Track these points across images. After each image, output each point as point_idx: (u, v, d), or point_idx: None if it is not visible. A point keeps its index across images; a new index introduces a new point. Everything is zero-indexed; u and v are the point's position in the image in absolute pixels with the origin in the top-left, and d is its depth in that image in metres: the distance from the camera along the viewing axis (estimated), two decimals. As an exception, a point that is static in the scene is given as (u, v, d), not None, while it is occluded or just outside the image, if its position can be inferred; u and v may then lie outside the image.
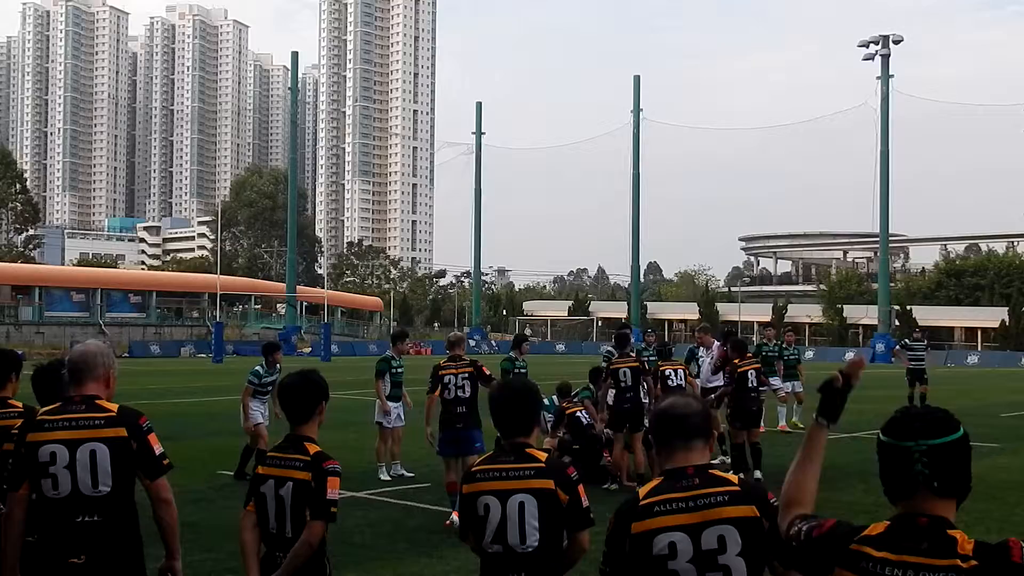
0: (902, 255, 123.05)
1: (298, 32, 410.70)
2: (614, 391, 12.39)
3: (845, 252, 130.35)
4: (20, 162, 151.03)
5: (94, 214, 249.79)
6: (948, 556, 2.37)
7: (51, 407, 4.33)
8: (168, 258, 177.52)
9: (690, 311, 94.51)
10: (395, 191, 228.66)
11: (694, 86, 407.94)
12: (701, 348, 15.92)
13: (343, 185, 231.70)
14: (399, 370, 13.14)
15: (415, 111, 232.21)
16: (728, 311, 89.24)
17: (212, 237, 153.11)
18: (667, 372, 13.10)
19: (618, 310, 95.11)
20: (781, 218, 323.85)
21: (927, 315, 76.03)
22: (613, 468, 12.35)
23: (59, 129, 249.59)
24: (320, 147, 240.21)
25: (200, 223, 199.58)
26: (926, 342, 24.95)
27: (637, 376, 12.36)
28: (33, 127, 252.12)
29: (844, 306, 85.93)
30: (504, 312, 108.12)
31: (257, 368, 12.86)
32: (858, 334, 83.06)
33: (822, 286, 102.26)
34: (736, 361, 13.08)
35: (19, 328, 67.02)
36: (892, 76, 66.31)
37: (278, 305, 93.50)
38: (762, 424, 13.39)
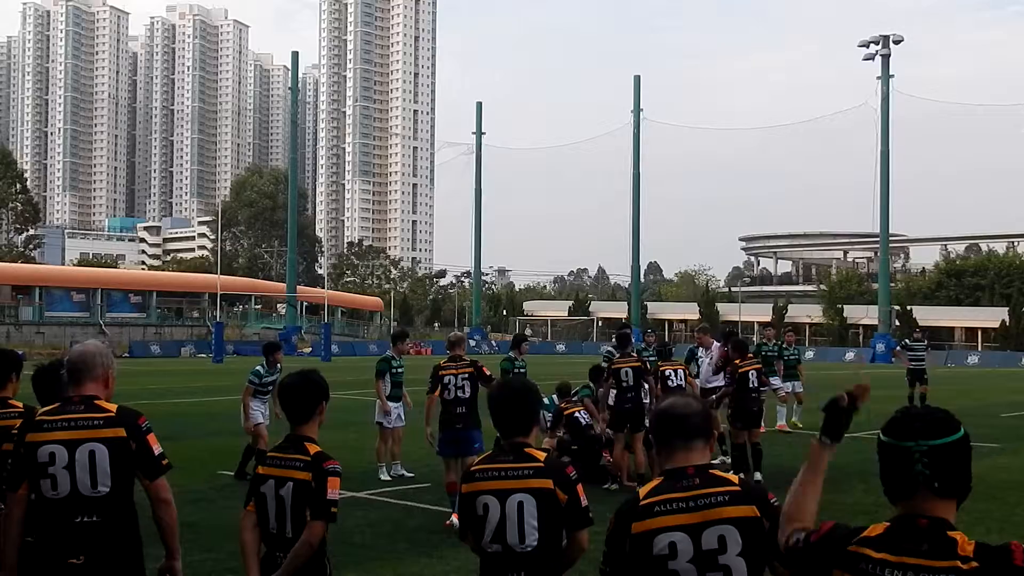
0: (902, 255, 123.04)
1: (298, 32, 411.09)
2: (615, 391, 12.38)
3: (845, 252, 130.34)
4: (20, 162, 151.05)
5: (94, 214, 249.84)
6: (948, 558, 2.36)
7: (50, 407, 4.33)
8: (168, 258, 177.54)
9: (690, 311, 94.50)
10: (395, 191, 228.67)
11: (694, 86, 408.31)
12: (700, 348, 15.92)
13: (343, 185, 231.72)
14: (399, 370, 13.14)
15: (415, 111, 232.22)
16: (728, 311, 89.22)
17: (212, 237, 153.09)
18: (667, 372, 13.11)
19: (618, 310, 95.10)
20: (781, 218, 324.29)
21: (927, 315, 76.02)
22: (613, 468, 12.34)
23: (59, 129, 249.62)
24: (320, 147, 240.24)
25: (200, 223, 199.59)
26: (926, 342, 24.94)
27: (639, 376, 12.35)
28: (33, 127, 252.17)
29: (844, 306, 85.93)
30: (504, 312, 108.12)
31: (258, 368, 12.86)
32: (858, 334, 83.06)
33: (822, 286, 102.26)
34: (737, 361, 13.06)
35: (19, 328, 67.00)
36: (892, 76, 66.33)
37: (278, 305, 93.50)
38: (762, 424, 13.39)
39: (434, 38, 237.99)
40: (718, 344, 15.46)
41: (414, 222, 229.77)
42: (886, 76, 66.13)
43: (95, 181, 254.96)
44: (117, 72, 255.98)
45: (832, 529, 2.60)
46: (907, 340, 25.38)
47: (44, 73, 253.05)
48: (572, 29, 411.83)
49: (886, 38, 66.36)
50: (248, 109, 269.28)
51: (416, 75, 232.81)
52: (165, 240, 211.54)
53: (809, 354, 55.74)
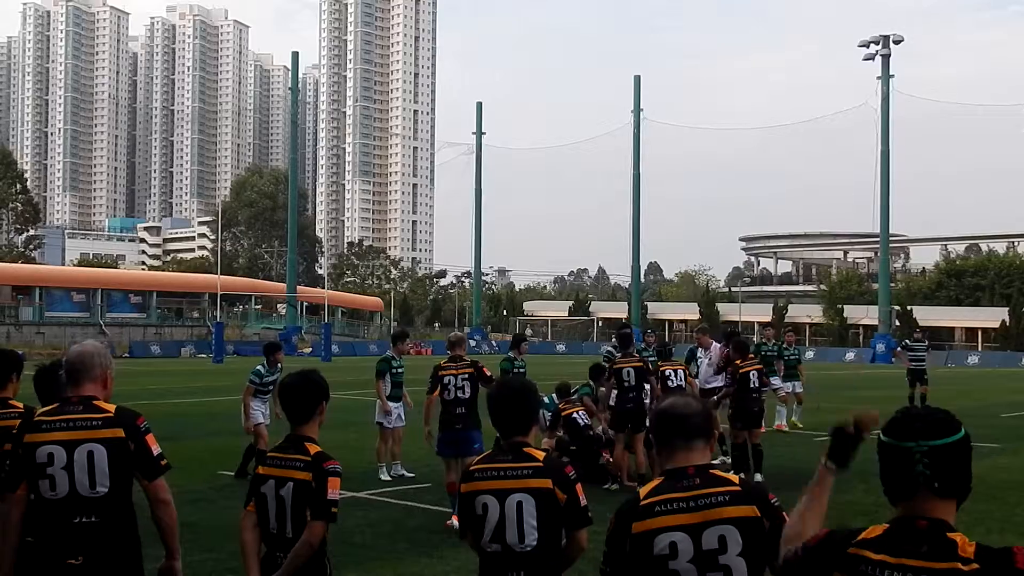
0: (902, 255, 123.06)
1: (298, 32, 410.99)
2: (616, 391, 12.36)
3: (845, 252, 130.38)
4: (20, 162, 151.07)
5: (94, 214, 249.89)
6: (948, 559, 2.35)
7: (49, 408, 4.33)
8: (168, 258, 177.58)
9: (690, 311, 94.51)
10: (395, 191, 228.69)
11: (694, 86, 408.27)
12: (700, 349, 15.91)
13: (343, 185, 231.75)
14: (399, 370, 13.14)
15: (415, 111, 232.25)
16: (729, 311, 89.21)
17: (212, 237, 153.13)
18: (667, 372, 13.10)
19: (618, 310, 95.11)
20: (781, 218, 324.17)
21: (927, 315, 76.01)
22: (614, 468, 12.33)
23: (59, 129, 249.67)
24: (320, 147, 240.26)
25: (200, 223, 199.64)
26: (927, 343, 24.94)
27: (641, 376, 12.34)
28: (33, 127, 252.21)
29: (844, 306, 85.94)
30: (504, 312, 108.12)
31: (258, 368, 12.87)
32: (858, 334, 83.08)
33: (822, 286, 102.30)
34: (738, 362, 13.06)
35: (19, 328, 67.02)
36: (893, 76, 66.34)
37: (278, 305, 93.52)
38: (763, 424, 13.40)
39: (434, 38, 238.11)
40: (717, 345, 15.46)
41: (414, 222, 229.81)
42: (886, 76, 66.13)
43: (95, 181, 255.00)
44: (117, 72, 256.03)
45: (829, 534, 2.59)
46: (907, 340, 25.39)
47: (44, 73, 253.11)
48: (572, 29, 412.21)
49: (886, 38, 66.37)
50: (248, 109, 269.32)
51: (416, 75, 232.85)
52: (165, 240, 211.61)
53: (809, 354, 55.72)
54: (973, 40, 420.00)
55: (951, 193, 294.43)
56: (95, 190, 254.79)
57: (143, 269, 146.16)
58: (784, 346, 19.85)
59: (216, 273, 70.97)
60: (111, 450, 4.14)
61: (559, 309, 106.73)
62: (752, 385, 12.86)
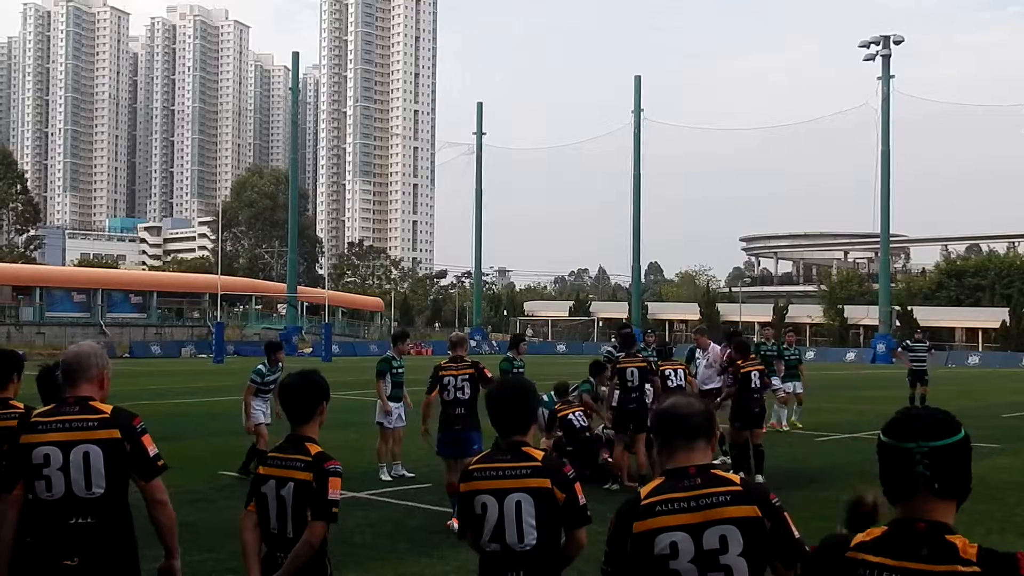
0: (903, 255, 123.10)
1: (299, 32, 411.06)
2: (619, 391, 12.34)
3: (846, 252, 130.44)
4: (21, 162, 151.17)
5: (95, 214, 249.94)
6: (948, 562, 2.34)
7: (45, 408, 4.33)
8: (169, 258, 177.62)
9: (691, 311, 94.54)
10: (396, 191, 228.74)
11: (694, 86, 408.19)
12: (698, 350, 15.90)
13: (344, 185, 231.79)
14: (400, 370, 13.14)
15: (416, 111, 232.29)
16: (729, 311, 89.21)
17: (213, 237, 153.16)
18: (667, 372, 13.09)
19: (619, 310, 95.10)
20: (782, 218, 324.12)
21: (928, 315, 75.98)
22: (614, 468, 12.32)
23: (60, 129, 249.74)
24: (321, 147, 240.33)
25: (201, 223, 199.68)
26: (928, 343, 24.91)
27: (644, 376, 12.33)
28: (34, 127, 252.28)
29: (845, 306, 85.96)
30: (505, 312, 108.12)
31: (259, 367, 12.88)
32: (859, 335, 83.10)
33: (823, 286, 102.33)
34: (740, 362, 13.06)
35: (20, 328, 67.04)
36: (893, 77, 66.29)
37: (279, 305, 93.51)
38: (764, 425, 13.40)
39: (435, 38, 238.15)
40: (716, 346, 15.46)
41: (415, 222, 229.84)
42: (886, 76, 66.11)
43: (95, 181, 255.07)
44: (118, 72, 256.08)
45: (823, 542, 2.58)
46: (908, 341, 25.37)
47: (45, 74, 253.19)
48: (572, 29, 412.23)
49: (886, 38, 66.34)
50: (248, 109, 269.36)
51: (417, 75, 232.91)
52: (166, 240, 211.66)
53: (810, 354, 55.67)
54: (973, 40, 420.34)
55: (951, 193, 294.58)
56: (95, 190, 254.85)
57: (143, 269, 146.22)
58: (784, 346, 19.85)
59: (216, 273, 70.96)
60: (107, 451, 4.14)
61: (559, 309, 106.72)
62: (753, 385, 12.86)
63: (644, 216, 78.60)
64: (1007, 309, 77.60)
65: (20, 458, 4.19)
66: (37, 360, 25.10)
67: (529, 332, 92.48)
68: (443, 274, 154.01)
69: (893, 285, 79.37)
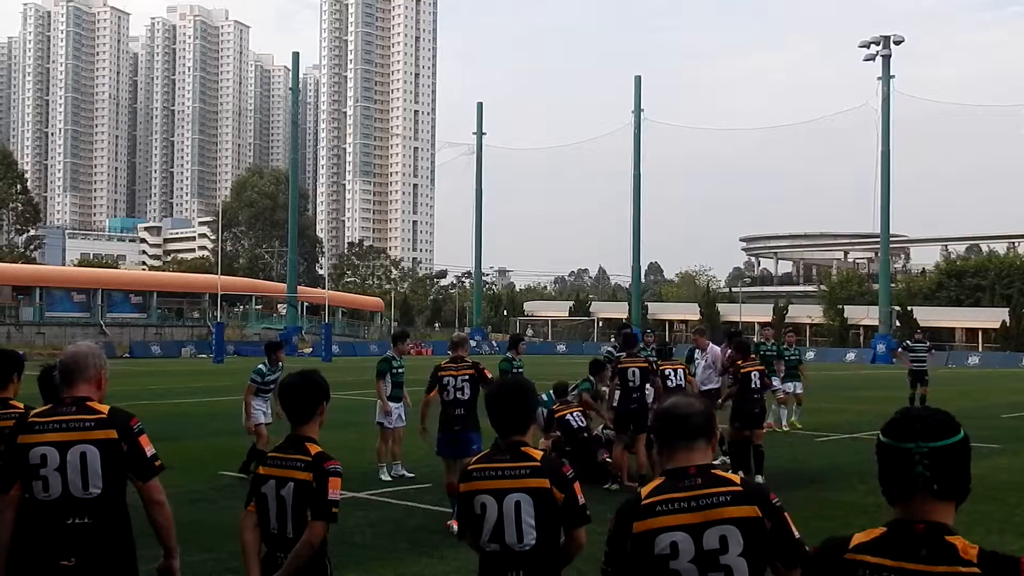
0: (903, 256, 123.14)
1: (299, 32, 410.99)
2: (620, 391, 12.32)
3: (846, 253, 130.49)
4: (21, 162, 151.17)
5: (95, 214, 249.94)
6: (948, 563, 2.34)
7: (42, 409, 4.33)
8: (169, 258, 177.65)
9: (691, 312, 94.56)
10: (396, 191, 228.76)
11: (694, 86, 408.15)
12: (697, 350, 15.89)
13: (344, 185, 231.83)
14: (400, 370, 13.14)
15: (416, 111, 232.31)
16: (729, 312, 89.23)
17: (213, 237, 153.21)
18: (667, 372, 13.09)
19: (619, 310, 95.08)
20: (782, 218, 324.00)
21: (928, 316, 76.00)
22: (614, 468, 12.32)
23: (60, 129, 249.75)
24: (321, 147, 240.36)
25: (201, 223, 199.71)
26: (928, 343, 24.90)
27: (645, 377, 12.32)
28: (34, 127, 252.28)
29: (845, 307, 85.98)
30: (505, 312, 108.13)
31: (260, 367, 12.87)
32: (859, 335, 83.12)
33: (823, 287, 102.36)
34: (740, 362, 13.07)
35: (20, 328, 67.04)
36: (893, 77, 66.28)
37: (279, 305, 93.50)
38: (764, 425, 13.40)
39: (435, 38, 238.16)
40: (714, 346, 15.47)
41: (415, 222, 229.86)
42: (887, 77, 66.09)
43: (96, 181, 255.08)
44: (118, 73, 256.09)
45: (821, 546, 2.58)
46: (908, 341, 25.37)
47: (45, 74, 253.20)
48: (572, 29, 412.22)
49: (887, 39, 66.32)
50: (249, 109, 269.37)
51: (417, 75, 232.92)
52: (166, 240, 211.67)
53: (810, 355, 55.67)
54: (973, 40, 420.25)
55: (951, 193, 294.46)
56: (95, 190, 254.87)
57: (143, 269, 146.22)
58: (784, 347, 19.84)
59: (216, 273, 70.97)
60: (104, 451, 4.14)
61: (559, 309, 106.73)
62: (754, 385, 12.87)
63: (644, 216, 78.71)
64: (1007, 309, 77.61)
65: (17, 458, 4.19)
66: (37, 360, 25.09)
67: (529, 332, 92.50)
68: (443, 274, 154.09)
69: (893, 285, 79.37)
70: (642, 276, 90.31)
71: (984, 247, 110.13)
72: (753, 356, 13.76)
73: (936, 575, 2.34)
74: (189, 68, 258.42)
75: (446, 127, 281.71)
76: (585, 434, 12.91)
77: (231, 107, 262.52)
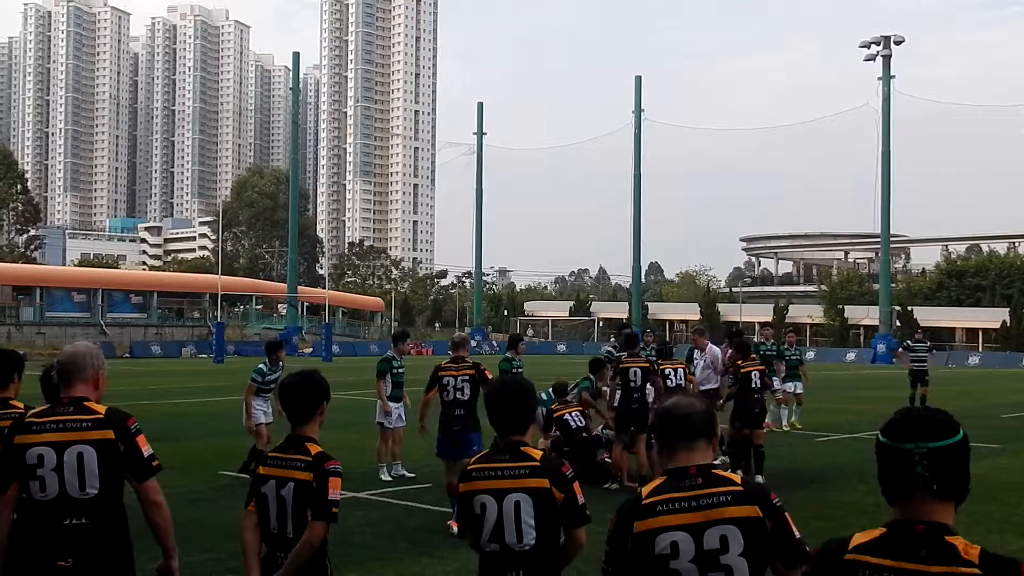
0: (903, 256, 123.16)
1: (299, 32, 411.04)
2: (621, 391, 12.31)
3: (846, 253, 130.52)
4: (21, 162, 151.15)
5: (95, 214, 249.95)
6: (948, 563, 2.34)
7: (39, 409, 4.33)
8: (169, 258, 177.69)
9: (691, 312, 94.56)
10: (396, 191, 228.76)
11: (694, 86, 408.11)
12: (696, 350, 15.88)
13: (344, 185, 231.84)
14: (400, 370, 13.14)
15: (416, 111, 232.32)
16: (729, 312, 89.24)
17: (213, 237, 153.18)
18: (667, 371, 13.09)
19: (619, 310, 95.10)
20: (782, 218, 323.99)
21: (928, 316, 76.02)
22: (614, 468, 12.31)
23: (60, 129, 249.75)
24: (321, 147, 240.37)
25: (201, 223, 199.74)
26: (928, 343, 24.88)
27: (647, 377, 12.32)
28: (34, 127, 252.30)
29: (845, 307, 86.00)
30: (505, 312, 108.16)
31: (260, 366, 12.87)
32: (859, 335, 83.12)
33: (823, 287, 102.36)
34: (740, 362, 13.07)
35: (20, 328, 67.04)
36: (893, 77, 66.27)
37: (279, 305, 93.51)
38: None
39: (435, 38, 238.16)
40: (713, 346, 15.45)
41: (415, 222, 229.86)
42: (887, 77, 66.07)
43: (96, 181, 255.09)
44: (118, 73, 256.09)
45: (822, 548, 2.58)
46: (909, 341, 25.36)
47: (45, 74, 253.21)
48: (572, 29, 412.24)
49: (887, 39, 66.30)
50: (249, 109, 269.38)
51: (417, 75, 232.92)
52: (166, 240, 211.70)
53: (810, 355, 55.58)
54: (973, 40, 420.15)
55: (952, 194, 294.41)
56: (96, 190, 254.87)
57: (144, 269, 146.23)
58: (785, 347, 19.82)
59: (217, 273, 70.96)
60: (101, 451, 4.13)
61: (560, 309, 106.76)
62: (754, 385, 12.87)
63: (644, 216, 78.72)
64: (1007, 309, 77.61)
65: (14, 458, 4.19)
66: (38, 360, 25.09)
67: (530, 332, 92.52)
68: (443, 274, 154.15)
69: (893, 285, 79.36)
70: (642, 276, 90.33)
71: (984, 247, 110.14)
72: (753, 356, 13.77)
73: (936, 575, 2.34)
74: (189, 68, 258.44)
75: (446, 127, 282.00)
76: (584, 434, 12.90)
77: (231, 107, 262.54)
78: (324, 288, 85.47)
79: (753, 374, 12.91)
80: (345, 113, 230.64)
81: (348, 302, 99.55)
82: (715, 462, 3.38)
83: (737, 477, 3.28)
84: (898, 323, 71.24)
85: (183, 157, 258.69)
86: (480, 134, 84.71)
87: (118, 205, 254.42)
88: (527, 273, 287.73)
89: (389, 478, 12.72)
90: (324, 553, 4.20)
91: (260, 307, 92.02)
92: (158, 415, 20.04)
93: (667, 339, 60.77)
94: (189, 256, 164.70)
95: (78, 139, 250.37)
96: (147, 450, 4.22)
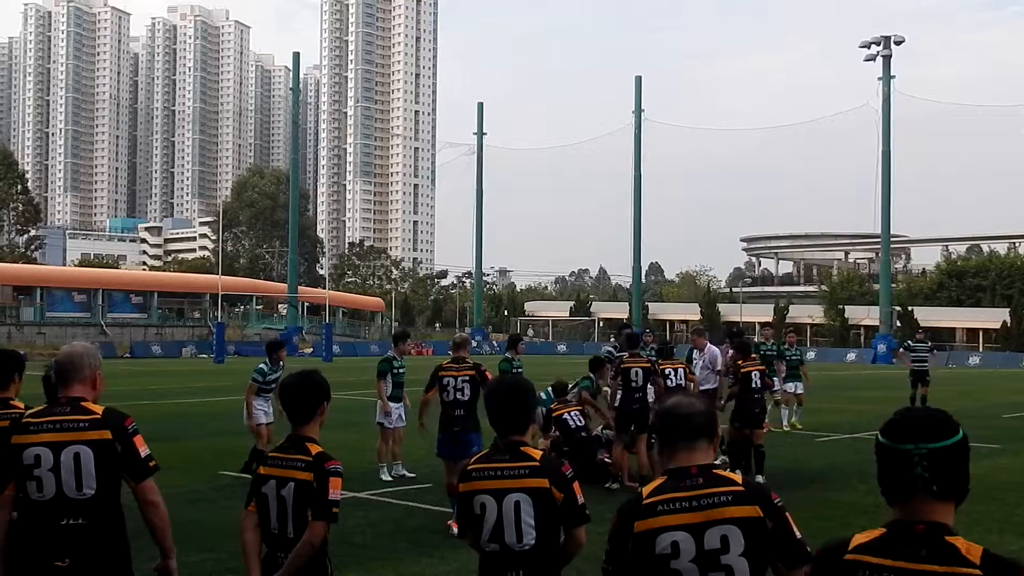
0: (903, 256, 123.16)
1: (299, 32, 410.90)
2: (622, 391, 12.30)
3: (846, 253, 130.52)
4: (22, 163, 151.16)
5: (95, 215, 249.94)
6: (948, 563, 2.34)
7: (37, 409, 4.33)
8: (169, 258, 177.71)
9: (691, 312, 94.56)
10: (396, 191, 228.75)
11: (694, 86, 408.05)
12: (695, 350, 15.87)
13: (344, 185, 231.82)
14: (400, 371, 13.15)
15: (416, 111, 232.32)
16: (729, 312, 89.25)
17: (213, 237, 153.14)
18: (667, 371, 13.10)
19: (619, 311, 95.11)
20: (782, 219, 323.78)
21: (928, 316, 75.99)
22: (615, 468, 12.31)
23: (60, 130, 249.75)
24: (322, 147, 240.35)
25: (201, 223, 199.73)
26: (929, 343, 24.87)
27: (648, 377, 12.32)
28: (35, 128, 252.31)
29: (845, 307, 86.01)
30: (506, 312, 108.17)
31: (261, 366, 12.87)
32: (859, 335, 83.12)
33: (823, 287, 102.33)
34: (740, 362, 13.07)
35: (21, 329, 67.06)
36: (893, 77, 66.27)
37: (279, 305, 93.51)
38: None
39: (435, 38, 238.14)
40: (712, 346, 15.45)
41: (415, 222, 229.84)
42: (887, 77, 66.07)
43: (96, 182, 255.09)
44: (118, 73, 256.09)
45: (821, 549, 2.59)
46: (910, 341, 25.36)
47: (45, 74, 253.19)
48: (572, 29, 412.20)
49: (887, 39, 66.30)
50: (249, 110, 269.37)
51: (417, 75, 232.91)
52: (166, 241, 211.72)
53: (810, 355, 55.60)
54: (973, 40, 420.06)
55: (952, 194, 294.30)
56: (96, 190, 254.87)
57: (144, 269, 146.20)
58: (785, 347, 19.81)
59: (217, 273, 70.97)
60: (98, 452, 4.13)
61: (560, 309, 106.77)
62: (754, 385, 12.87)
63: (644, 216, 78.76)
64: (1008, 310, 77.61)
65: (11, 459, 4.19)
66: (38, 360, 25.10)
67: (530, 332, 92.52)
68: (444, 274, 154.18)
69: (894, 285, 79.37)
70: (643, 276, 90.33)
71: (985, 247, 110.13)
72: (754, 356, 13.77)
73: (936, 575, 2.34)
74: (189, 68, 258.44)
75: (446, 127, 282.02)
76: (583, 434, 12.90)
77: (231, 107, 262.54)
78: (324, 288, 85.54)
79: (753, 374, 12.91)
80: (345, 113, 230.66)
81: (348, 302, 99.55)
82: (715, 462, 3.38)
83: (738, 477, 3.28)
84: (898, 323, 71.25)
85: (183, 157, 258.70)
86: (480, 134, 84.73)
87: (118, 205, 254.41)
88: (527, 273, 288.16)
89: (389, 478, 12.73)
90: (324, 553, 4.20)
91: (260, 307, 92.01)
92: (158, 415, 20.05)
93: (667, 339, 60.75)
94: (189, 256, 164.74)
95: (78, 139, 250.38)
96: (144, 450, 4.22)
